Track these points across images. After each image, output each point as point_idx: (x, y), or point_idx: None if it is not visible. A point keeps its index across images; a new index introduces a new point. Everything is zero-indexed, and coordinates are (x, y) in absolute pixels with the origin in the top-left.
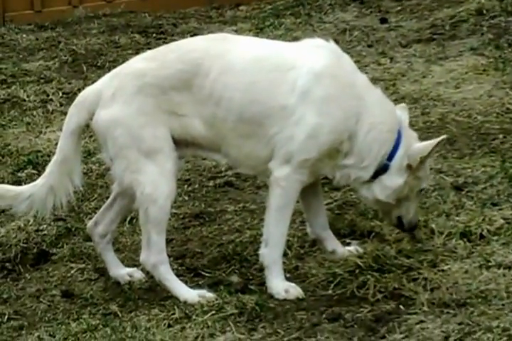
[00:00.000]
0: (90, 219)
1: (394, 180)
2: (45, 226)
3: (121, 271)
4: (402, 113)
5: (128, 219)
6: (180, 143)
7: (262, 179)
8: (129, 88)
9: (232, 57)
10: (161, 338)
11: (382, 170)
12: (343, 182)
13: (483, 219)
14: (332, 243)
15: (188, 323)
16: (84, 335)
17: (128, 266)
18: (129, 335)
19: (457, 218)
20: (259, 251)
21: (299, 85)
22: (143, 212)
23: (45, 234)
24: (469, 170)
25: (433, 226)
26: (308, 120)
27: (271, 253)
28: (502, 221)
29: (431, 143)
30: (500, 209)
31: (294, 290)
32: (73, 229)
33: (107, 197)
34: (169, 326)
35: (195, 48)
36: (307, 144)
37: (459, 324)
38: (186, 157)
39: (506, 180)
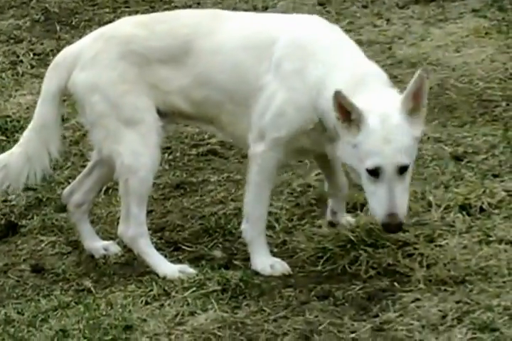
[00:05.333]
0: (63, 188)
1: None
2: (13, 196)
3: (96, 244)
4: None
5: (103, 189)
6: (166, 114)
7: None
8: (113, 53)
9: (221, 36)
10: (138, 316)
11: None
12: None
13: (484, 192)
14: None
15: (167, 300)
16: (55, 313)
17: (103, 238)
18: (104, 313)
19: (456, 190)
20: (242, 226)
21: (274, 60)
22: (123, 183)
23: (13, 205)
24: (470, 139)
25: (430, 198)
26: (277, 96)
27: (252, 229)
28: (504, 193)
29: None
30: (501, 181)
31: (280, 266)
32: (44, 200)
33: (82, 166)
34: (147, 303)
35: (187, 23)
36: (276, 122)
37: (457, 302)
38: (176, 125)
39: (509, 149)
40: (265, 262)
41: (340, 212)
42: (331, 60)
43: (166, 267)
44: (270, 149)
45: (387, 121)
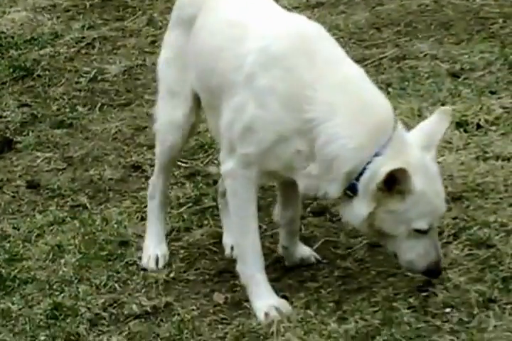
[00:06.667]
0: (58, 105)
1: (360, 206)
2: (8, 112)
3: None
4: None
5: (98, 105)
6: None
7: None
8: (173, 17)
9: (219, 9)
10: (134, 232)
11: (351, 191)
12: (311, 193)
13: (481, 108)
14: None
15: None
16: (50, 228)
17: (99, 155)
18: (99, 229)
19: (453, 107)
20: (236, 267)
21: (247, 64)
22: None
23: (8, 121)
24: (466, 57)
25: (427, 115)
26: (247, 109)
27: (246, 268)
28: (500, 110)
29: (385, 169)
30: (498, 98)
31: (276, 313)
32: (39, 116)
33: (76, 82)
34: (142, 219)
35: None
36: (245, 137)
37: (454, 218)
38: None
39: (506, 66)
40: (263, 308)
41: (293, 245)
42: (335, 93)
43: None
44: (241, 167)
45: (429, 175)
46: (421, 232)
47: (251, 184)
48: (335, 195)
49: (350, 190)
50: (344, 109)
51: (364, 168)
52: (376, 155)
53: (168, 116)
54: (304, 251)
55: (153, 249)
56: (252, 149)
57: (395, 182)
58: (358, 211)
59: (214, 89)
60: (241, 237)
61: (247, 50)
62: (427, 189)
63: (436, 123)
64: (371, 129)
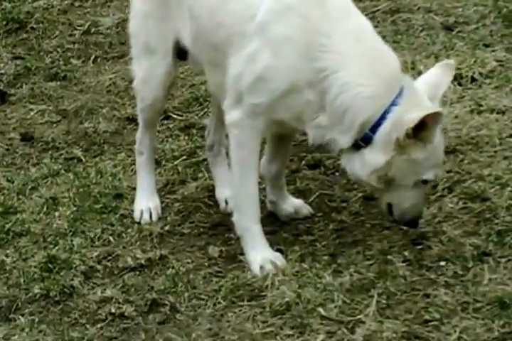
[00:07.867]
0: (51, 58)
1: (374, 156)
2: (2, 65)
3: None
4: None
5: (92, 58)
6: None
7: None
8: None
9: None
10: (128, 184)
11: (364, 141)
12: (317, 143)
13: (475, 61)
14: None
15: (157, 169)
16: (45, 181)
17: (93, 108)
18: (94, 181)
19: (447, 60)
20: (233, 217)
21: (260, 13)
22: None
23: (2, 74)
24: (460, 9)
25: (421, 67)
26: (261, 59)
27: (243, 218)
28: (495, 63)
29: (420, 114)
30: (493, 51)
31: (270, 266)
32: (33, 68)
33: (70, 35)
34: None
35: None
36: (256, 87)
37: (448, 172)
38: None
39: (500, 19)
40: (258, 260)
41: (281, 199)
42: (347, 42)
43: None
44: (248, 117)
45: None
46: (424, 183)
47: (258, 134)
48: (346, 145)
49: (363, 141)
50: (358, 58)
51: (381, 118)
52: (393, 104)
53: (146, 74)
54: (295, 203)
55: (146, 202)
56: (263, 99)
57: (420, 129)
58: (372, 160)
59: (219, 44)
60: (240, 188)
61: (259, 0)
62: (439, 139)
63: (439, 75)
64: (386, 78)
